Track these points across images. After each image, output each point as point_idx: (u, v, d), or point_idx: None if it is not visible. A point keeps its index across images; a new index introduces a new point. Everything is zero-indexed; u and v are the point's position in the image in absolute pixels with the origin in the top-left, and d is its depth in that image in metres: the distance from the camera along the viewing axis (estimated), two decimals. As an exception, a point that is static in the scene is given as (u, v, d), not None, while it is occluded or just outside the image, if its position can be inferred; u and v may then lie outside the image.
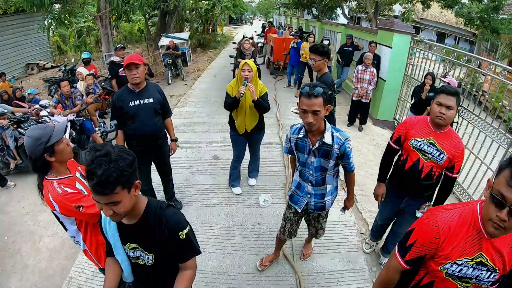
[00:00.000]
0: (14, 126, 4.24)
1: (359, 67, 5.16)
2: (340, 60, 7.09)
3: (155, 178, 3.11)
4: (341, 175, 2.35)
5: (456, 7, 11.97)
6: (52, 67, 12.04)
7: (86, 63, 6.70)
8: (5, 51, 10.62)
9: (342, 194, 3.21)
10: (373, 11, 11.70)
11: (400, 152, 2.16)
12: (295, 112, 6.01)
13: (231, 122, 3.15)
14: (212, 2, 16.19)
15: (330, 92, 2.64)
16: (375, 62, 5.42)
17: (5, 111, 4.27)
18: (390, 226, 2.50)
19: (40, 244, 3.00)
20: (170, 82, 8.92)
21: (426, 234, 1.17)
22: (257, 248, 2.75)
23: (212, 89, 8.09)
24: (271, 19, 27.02)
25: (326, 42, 6.63)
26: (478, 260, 1.11)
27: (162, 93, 2.74)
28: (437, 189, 2.08)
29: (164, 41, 10.03)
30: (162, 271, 1.34)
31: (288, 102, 6.79)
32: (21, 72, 11.49)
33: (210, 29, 18.41)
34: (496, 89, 3.95)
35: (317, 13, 16.14)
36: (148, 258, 1.28)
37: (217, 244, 2.79)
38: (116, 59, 5.30)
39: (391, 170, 2.26)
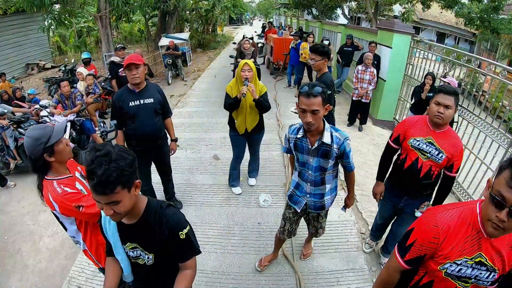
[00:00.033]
0: (14, 126, 4.24)
1: (359, 67, 5.16)
2: (340, 60, 7.09)
3: (155, 178, 3.11)
4: (341, 175, 2.35)
5: (456, 7, 11.97)
6: (52, 67, 12.05)
7: (86, 63, 6.70)
8: (5, 51, 10.63)
9: (342, 194, 3.21)
10: (373, 11, 11.70)
11: (399, 152, 2.16)
12: (295, 112, 6.02)
13: (231, 122, 3.15)
14: (212, 2, 16.20)
15: (329, 92, 2.64)
16: (375, 62, 5.42)
17: (5, 111, 4.27)
18: (390, 226, 2.50)
19: (40, 244, 3.00)
20: (170, 82, 8.93)
21: (425, 234, 1.17)
22: (257, 248, 2.75)
23: (212, 89, 8.10)
24: (271, 20, 27.02)
25: (326, 42, 6.64)
26: (477, 260, 1.11)
27: (162, 93, 2.75)
28: (436, 188, 2.09)
29: (164, 41, 10.04)
30: (162, 271, 1.34)
31: (288, 102, 6.79)
32: (21, 72, 11.50)
33: (210, 30, 18.41)
34: (496, 89, 3.95)
35: (317, 14, 16.13)
36: (148, 257, 1.28)
37: (217, 244, 2.79)
38: (116, 59, 5.30)
39: (391, 169, 2.27)
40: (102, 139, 4.91)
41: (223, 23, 25.90)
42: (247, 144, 3.32)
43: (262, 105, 2.91)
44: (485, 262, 1.10)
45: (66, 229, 1.71)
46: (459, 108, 3.74)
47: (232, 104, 2.90)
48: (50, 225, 3.20)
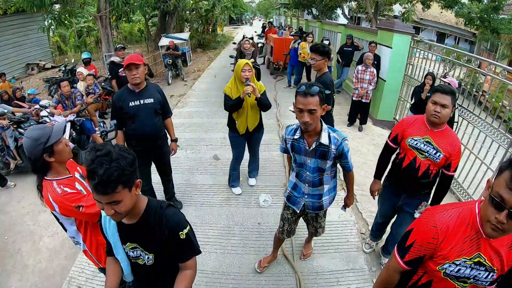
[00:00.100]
0: (14, 126, 4.24)
1: (359, 67, 5.16)
2: (340, 60, 7.09)
3: (155, 178, 3.11)
4: (341, 175, 2.35)
5: (456, 7, 11.97)
6: (52, 67, 12.05)
7: (86, 63, 6.70)
8: (5, 51, 10.63)
9: (342, 194, 3.20)
10: (373, 11, 11.69)
11: (398, 151, 2.18)
12: (292, 111, 6.01)
13: (231, 123, 3.14)
14: (212, 2, 16.20)
15: (329, 92, 2.63)
16: (375, 62, 5.42)
17: (5, 111, 4.27)
18: (390, 227, 2.50)
19: (40, 244, 3.00)
20: (170, 82, 8.92)
21: (424, 234, 1.17)
22: (257, 248, 2.75)
23: (212, 89, 8.10)
24: (271, 19, 27.03)
25: (326, 42, 6.64)
26: (476, 260, 1.11)
27: (162, 93, 2.75)
28: (434, 187, 2.09)
29: (164, 41, 10.04)
30: (162, 271, 1.34)
31: (288, 102, 6.79)
32: (21, 72, 11.50)
33: (210, 30, 18.41)
34: (496, 89, 3.95)
35: (317, 13, 16.13)
36: (148, 258, 1.28)
37: (217, 244, 2.79)
38: (116, 59, 5.30)
39: (389, 168, 2.28)
40: (102, 139, 4.91)
41: (223, 23, 25.90)
42: (246, 145, 3.33)
43: (264, 103, 2.92)
44: (484, 262, 1.10)
45: (66, 230, 1.71)
46: (459, 108, 3.73)
47: (235, 104, 2.89)
48: (50, 225, 3.20)
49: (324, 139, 1.76)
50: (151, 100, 2.60)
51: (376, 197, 2.45)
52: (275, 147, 4.63)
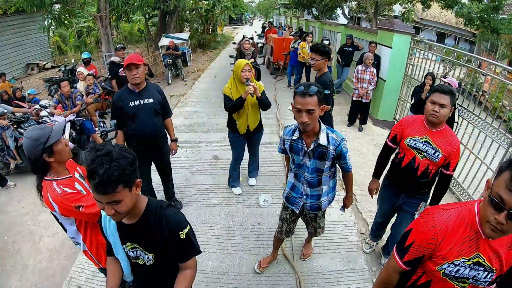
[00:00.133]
0: (14, 126, 4.24)
1: (359, 67, 5.16)
2: (340, 60, 7.09)
3: (155, 178, 3.11)
4: (341, 175, 2.35)
5: (456, 7, 11.97)
6: (52, 67, 12.04)
7: (86, 63, 6.70)
8: (5, 51, 10.62)
9: (342, 194, 3.20)
10: (373, 11, 11.69)
11: (397, 150, 2.18)
12: (291, 110, 6.01)
13: (231, 124, 3.14)
14: (212, 2, 16.19)
15: (328, 92, 2.62)
16: (375, 62, 5.42)
17: (5, 111, 4.27)
18: (390, 227, 2.50)
19: (40, 244, 3.00)
20: (170, 82, 8.92)
21: (423, 234, 1.17)
22: (257, 248, 2.75)
23: (212, 89, 8.10)
24: (271, 19, 27.03)
25: (326, 42, 6.64)
26: (475, 260, 1.11)
27: (162, 93, 2.75)
28: (433, 187, 2.10)
29: (164, 41, 10.04)
30: (162, 271, 1.34)
31: (288, 102, 6.78)
32: (21, 72, 11.50)
33: (210, 30, 18.41)
34: (496, 89, 3.95)
35: (317, 13, 16.14)
36: (147, 257, 1.28)
37: (217, 244, 2.79)
38: (116, 59, 5.30)
39: (389, 167, 2.29)
40: (102, 139, 4.91)
41: (223, 23, 25.90)
42: (246, 145, 3.33)
43: (264, 102, 2.93)
44: (483, 262, 1.10)
45: (66, 230, 1.70)
46: (459, 108, 3.73)
47: (236, 105, 2.89)
48: (50, 225, 3.20)
49: (322, 140, 1.75)
50: (151, 100, 2.60)
51: (375, 196, 2.46)
52: (275, 147, 4.63)
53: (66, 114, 4.53)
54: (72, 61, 9.16)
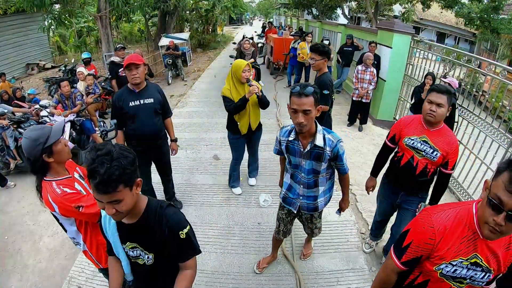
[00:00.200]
0: (14, 126, 4.24)
1: (359, 67, 5.16)
2: (340, 60, 7.09)
3: (155, 178, 3.11)
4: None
5: (456, 7, 11.97)
6: (52, 67, 12.05)
7: (86, 63, 6.70)
8: (5, 51, 10.62)
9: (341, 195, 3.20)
10: (373, 11, 11.69)
11: (396, 149, 2.19)
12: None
13: (231, 125, 3.12)
14: (212, 2, 16.20)
15: (327, 92, 2.62)
16: (375, 62, 5.42)
17: (5, 111, 4.27)
18: (390, 228, 2.50)
19: (40, 244, 3.00)
20: (170, 82, 8.92)
21: (421, 235, 1.16)
22: (257, 248, 2.75)
23: (212, 89, 8.10)
24: (271, 19, 27.03)
25: (326, 42, 6.64)
26: (472, 260, 1.10)
27: (162, 93, 2.75)
28: (432, 185, 2.10)
29: (164, 41, 10.04)
30: (162, 271, 1.34)
31: (288, 102, 6.78)
32: (21, 72, 11.50)
33: (210, 30, 18.41)
34: (496, 89, 3.95)
35: (317, 13, 16.14)
36: (147, 257, 1.28)
37: (217, 244, 2.79)
38: (116, 59, 5.30)
39: (388, 166, 2.30)
40: (102, 139, 4.91)
41: (223, 23, 25.89)
42: (246, 146, 3.33)
43: (265, 101, 2.95)
44: (481, 263, 1.10)
45: (66, 231, 1.70)
46: (459, 108, 3.73)
47: (240, 105, 2.87)
48: (50, 225, 3.20)
49: (319, 141, 1.73)
50: (151, 100, 2.60)
51: (374, 196, 2.47)
52: (275, 147, 4.63)
53: (66, 114, 4.53)
54: (72, 61, 9.16)
